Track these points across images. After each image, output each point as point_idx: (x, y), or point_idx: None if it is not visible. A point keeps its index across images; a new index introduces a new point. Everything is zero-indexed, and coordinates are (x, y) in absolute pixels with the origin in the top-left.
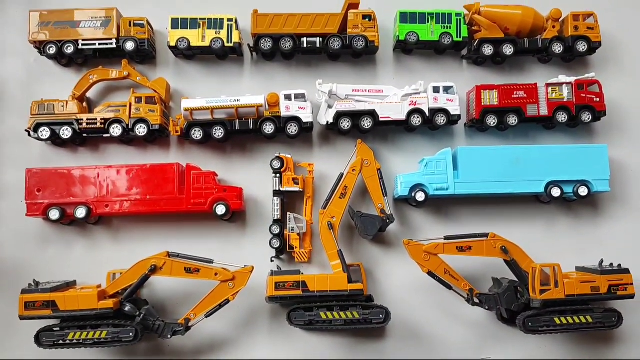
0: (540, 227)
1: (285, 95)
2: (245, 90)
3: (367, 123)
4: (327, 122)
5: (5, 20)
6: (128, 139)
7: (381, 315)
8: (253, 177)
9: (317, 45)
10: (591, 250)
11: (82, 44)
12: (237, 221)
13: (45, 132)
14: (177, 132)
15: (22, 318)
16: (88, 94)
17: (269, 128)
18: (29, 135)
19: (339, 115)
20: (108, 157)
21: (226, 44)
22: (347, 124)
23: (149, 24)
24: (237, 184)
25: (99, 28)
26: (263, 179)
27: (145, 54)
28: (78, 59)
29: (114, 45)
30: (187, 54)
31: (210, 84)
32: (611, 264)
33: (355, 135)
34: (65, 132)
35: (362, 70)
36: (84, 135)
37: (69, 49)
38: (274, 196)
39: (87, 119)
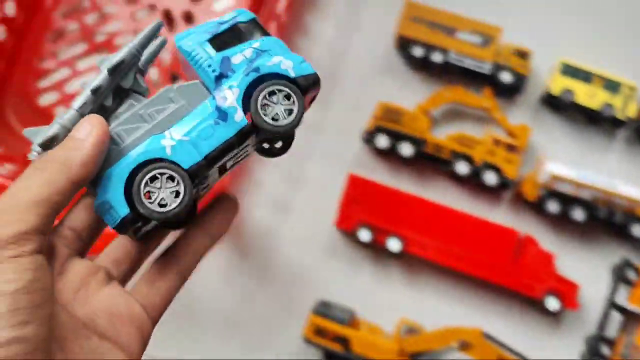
0: None
1: None
2: (614, 172)
3: None
4: None
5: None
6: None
7: None
8: (588, 272)
9: None
10: None
11: (454, 57)
12: (562, 320)
13: (383, 141)
14: (530, 196)
15: (306, 340)
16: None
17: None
18: (366, 141)
19: None
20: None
21: (618, 116)
22: None
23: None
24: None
25: (476, 45)
26: (599, 277)
27: (513, 90)
28: (434, 68)
29: (488, 72)
30: (566, 108)
31: (571, 148)
32: None
33: None
34: (408, 150)
35: None
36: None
37: (437, 58)
38: (609, 307)
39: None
